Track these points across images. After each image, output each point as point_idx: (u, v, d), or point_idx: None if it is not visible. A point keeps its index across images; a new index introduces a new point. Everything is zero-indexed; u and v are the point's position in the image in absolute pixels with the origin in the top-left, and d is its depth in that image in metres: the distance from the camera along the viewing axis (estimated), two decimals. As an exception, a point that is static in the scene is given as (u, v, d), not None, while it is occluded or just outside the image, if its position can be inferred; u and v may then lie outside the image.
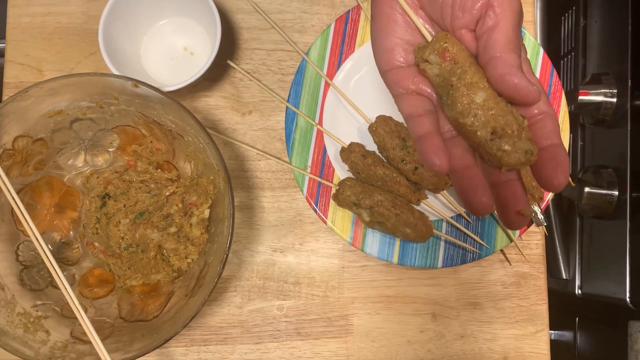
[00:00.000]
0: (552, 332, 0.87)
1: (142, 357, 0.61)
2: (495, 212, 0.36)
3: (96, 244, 0.60)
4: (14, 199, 0.51)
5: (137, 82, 0.52)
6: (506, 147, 0.34)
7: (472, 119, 0.35)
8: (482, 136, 0.35)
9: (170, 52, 0.65)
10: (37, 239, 0.50)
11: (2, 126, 0.54)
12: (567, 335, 0.88)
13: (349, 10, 0.63)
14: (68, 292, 0.49)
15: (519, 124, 0.35)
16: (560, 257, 0.83)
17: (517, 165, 0.34)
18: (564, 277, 0.83)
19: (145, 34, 0.64)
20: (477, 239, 0.62)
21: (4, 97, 0.65)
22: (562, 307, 0.79)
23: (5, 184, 0.51)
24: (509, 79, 0.34)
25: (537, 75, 0.64)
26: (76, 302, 0.49)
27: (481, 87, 0.36)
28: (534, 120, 0.36)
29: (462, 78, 0.36)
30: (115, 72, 0.58)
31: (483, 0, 0.36)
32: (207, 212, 0.58)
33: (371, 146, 0.62)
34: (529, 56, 0.64)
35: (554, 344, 0.68)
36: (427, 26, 0.41)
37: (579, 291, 0.81)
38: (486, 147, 0.35)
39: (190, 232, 0.58)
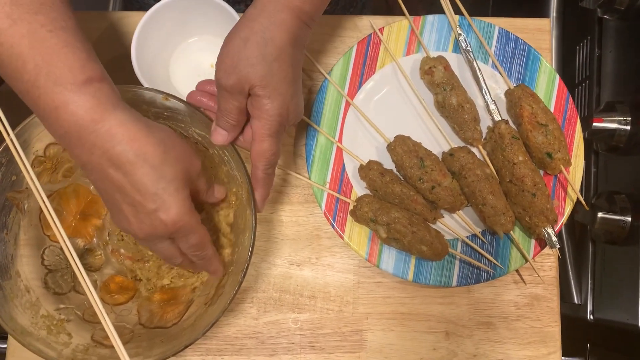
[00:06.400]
0: (563, 358, 0.87)
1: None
2: None
3: (122, 250, 0.62)
4: (45, 203, 0.52)
5: (167, 95, 0.54)
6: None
7: None
8: None
9: (197, 68, 0.67)
10: (66, 243, 0.51)
11: (36, 134, 0.56)
12: (577, 362, 0.87)
13: (371, 34, 0.66)
14: (92, 294, 0.51)
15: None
16: (572, 281, 0.84)
17: None
18: (576, 301, 0.83)
19: (174, 50, 0.67)
20: (492, 259, 0.63)
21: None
22: (574, 333, 0.79)
23: (37, 188, 0.53)
24: None
25: (553, 101, 0.66)
26: (99, 304, 0.50)
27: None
28: None
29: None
30: (147, 86, 0.60)
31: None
32: (231, 216, 0.59)
33: (389, 165, 0.64)
34: (545, 82, 0.66)
35: (565, 371, 0.68)
36: None
37: (591, 316, 0.81)
38: None
39: (219, 222, 0.59)
